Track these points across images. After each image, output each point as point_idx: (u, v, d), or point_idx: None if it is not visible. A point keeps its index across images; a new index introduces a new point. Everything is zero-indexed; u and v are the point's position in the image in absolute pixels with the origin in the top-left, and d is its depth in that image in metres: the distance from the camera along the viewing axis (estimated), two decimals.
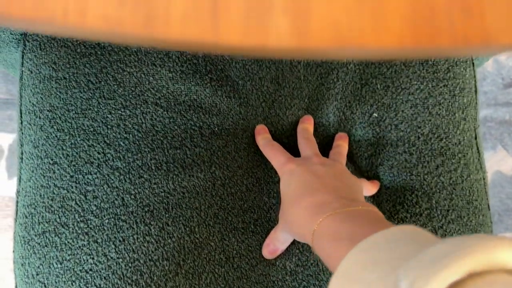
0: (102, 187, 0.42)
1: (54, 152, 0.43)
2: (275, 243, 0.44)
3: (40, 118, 0.45)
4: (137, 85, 0.45)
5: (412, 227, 0.28)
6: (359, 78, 0.48)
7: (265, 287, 0.44)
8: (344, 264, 0.27)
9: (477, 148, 0.49)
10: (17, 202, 0.44)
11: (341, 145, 0.46)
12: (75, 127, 0.44)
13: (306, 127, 0.46)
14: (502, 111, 0.96)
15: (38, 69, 0.46)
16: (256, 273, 0.44)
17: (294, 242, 0.45)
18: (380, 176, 0.47)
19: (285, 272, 0.45)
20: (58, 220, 0.42)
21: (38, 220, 0.42)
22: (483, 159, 0.50)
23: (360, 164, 0.48)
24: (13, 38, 0.48)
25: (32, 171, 0.44)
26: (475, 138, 0.50)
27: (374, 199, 0.47)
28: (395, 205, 0.46)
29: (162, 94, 0.44)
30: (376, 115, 0.47)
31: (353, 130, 0.48)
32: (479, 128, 0.50)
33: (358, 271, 0.26)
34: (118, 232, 0.41)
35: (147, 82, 0.45)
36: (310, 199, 0.37)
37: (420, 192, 0.46)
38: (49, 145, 0.43)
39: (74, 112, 0.44)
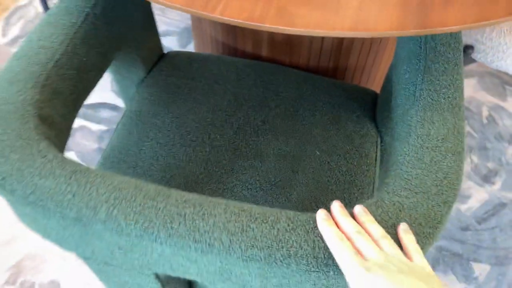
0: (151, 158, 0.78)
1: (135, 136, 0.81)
2: None
3: (131, 118, 0.84)
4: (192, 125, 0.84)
5: None
6: (305, 143, 0.82)
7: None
8: None
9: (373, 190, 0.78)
10: (106, 148, 0.81)
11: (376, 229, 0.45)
12: (149, 129, 0.82)
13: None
14: (456, 246, 1.17)
15: (141, 101, 0.87)
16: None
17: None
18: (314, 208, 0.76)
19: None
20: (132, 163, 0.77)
21: (124, 159, 0.78)
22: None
23: (303, 195, 0.77)
24: (134, 82, 0.91)
25: (121, 137, 0.81)
26: (373, 182, 0.78)
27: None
28: None
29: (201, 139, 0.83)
30: (318, 153, 0.79)
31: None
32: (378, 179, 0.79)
33: None
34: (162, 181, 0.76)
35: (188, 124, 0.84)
36: None
37: None
38: (135, 131, 0.82)
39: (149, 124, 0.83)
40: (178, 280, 0.65)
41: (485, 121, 1.43)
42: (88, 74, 0.67)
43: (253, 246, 0.43)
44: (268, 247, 0.43)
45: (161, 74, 0.90)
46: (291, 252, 0.43)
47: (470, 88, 1.51)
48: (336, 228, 0.44)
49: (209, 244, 0.44)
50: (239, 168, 0.77)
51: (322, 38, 0.90)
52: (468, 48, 0.99)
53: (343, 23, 0.49)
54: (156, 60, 0.93)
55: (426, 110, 0.55)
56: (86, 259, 0.58)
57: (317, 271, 0.43)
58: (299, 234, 0.44)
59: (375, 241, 0.43)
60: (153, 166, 0.77)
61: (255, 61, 0.94)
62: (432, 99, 0.56)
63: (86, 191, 0.46)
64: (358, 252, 0.42)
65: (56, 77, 0.60)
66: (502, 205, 1.24)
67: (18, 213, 0.52)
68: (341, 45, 0.93)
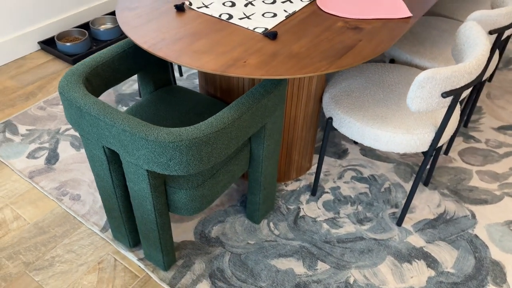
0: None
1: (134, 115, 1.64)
2: None
3: (137, 107, 1.67)
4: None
5: None
6: None
7: None
8: None
9: None
10: None
11: None
12: (143, 114, 1.65)
13: None
14: (314, 249, 1.73)
15: (147, 100, 1.71)
16: None
17: None
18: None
19: None
20: None
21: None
22: None
23: None
24: (148, 91, 1.75)
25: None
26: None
27: None
28: None
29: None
30: None
31: None
32: None
33: None
34: None
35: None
36: None
37: None
38: (137, 111, 1.65)
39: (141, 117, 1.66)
40: (116, 161, 1.42)
41: (382, 190, 1.99)
42: (118, 74, 1.53)
43: (129, 127, 1.20)
44: (133, 129, 1.20)
45: (162, 92, 1.74)
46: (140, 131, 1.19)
47: (385, 168, 2.10)
48: None
49: (118, 127, 1.22)
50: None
51: (243, 87, 1.67)
52: (329, 119, 1.65)
53: (211, 67, 1.28)
54: (163, 85, 1.78)
55: (249, 115, 1.29)
56: (82, 135, 1.38)
57: (147, 141, 1.18)
58: (147, 126, 1.20)
59: None
60: None
61: (212, 98, 1.73)
62: (253, 109, 1.29)
63: (92, 101, 1.28)
64: None
65: (101, 68, 1.46)
66: (361, 239, 1.78)
67: (67, 113, 1.35)
68: None
